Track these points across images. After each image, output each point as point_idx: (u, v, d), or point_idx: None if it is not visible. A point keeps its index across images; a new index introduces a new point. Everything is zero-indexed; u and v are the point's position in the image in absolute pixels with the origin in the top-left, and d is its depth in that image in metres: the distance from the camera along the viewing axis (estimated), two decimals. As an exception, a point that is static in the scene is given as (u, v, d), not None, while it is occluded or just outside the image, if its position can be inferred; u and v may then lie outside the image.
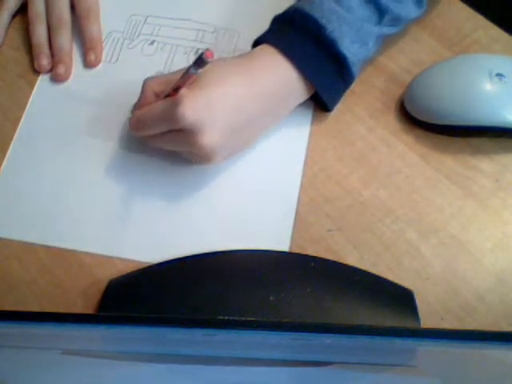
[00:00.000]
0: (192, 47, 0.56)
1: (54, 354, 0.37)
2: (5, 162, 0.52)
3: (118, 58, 0.56)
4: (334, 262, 0.46)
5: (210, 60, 0.40)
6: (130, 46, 0.57)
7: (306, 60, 0.48)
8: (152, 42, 0.57)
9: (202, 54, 0.40)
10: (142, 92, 0.48)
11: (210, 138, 0.44)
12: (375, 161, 0.51)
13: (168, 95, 0.46)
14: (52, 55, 0.56)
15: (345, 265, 0.46)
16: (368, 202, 0.49)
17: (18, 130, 0.53)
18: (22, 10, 0.58)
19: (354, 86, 0.53)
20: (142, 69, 0.55)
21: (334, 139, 0.52)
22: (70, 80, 0.55)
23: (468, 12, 0.56)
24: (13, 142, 0.52)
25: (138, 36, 0.57)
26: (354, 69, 0.49)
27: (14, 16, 0.58)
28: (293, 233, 0.48)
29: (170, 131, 0.46)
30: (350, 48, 0.47)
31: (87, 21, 0.56)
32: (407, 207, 0.49)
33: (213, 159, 0.46)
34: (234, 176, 0.50)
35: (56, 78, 0.55)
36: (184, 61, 0.56)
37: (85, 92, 0.55)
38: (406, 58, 0.54)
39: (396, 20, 0.50)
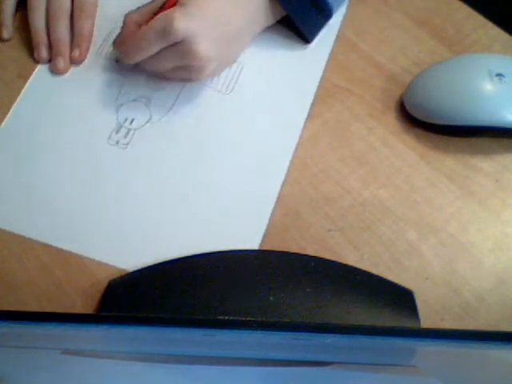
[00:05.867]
0: None
1: (53, 354, 0.37)
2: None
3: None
4: (334, 261, 0.46)
5: None
6: None
7: None
8: None
9: None
10: (124, 25, 0.51)
11: (204, 46, 0.46)
12: (375, 161, 0.51)
13: (156, 15, 0.47)
14: (50, 45, 0.56)
15: (345, 265, 0.46)
16: (368, 201, 0.49)
17: (3, 122, 0.53)
18: (21, 8, 0.58)
19: (353, 86, 0.54)
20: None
21: (334, 139, 0.52)
22: (65, 76, 0.55)
23: (468, 12, 0.56)
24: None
25: None
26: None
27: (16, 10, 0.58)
28: (265, 232, 0.48)
29: (165, 49, 0.47)
30: None
31: (80, 16, 0.56)
32: (407, 207, 0.49)
33: (205, 70, 0.48)
34: (222, 179, 0.50)
35: (55, 71, 0.55)
36: None
37: (80, 86, 0.55)
38: (406, 58, 0.54)
39: None
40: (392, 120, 0.52)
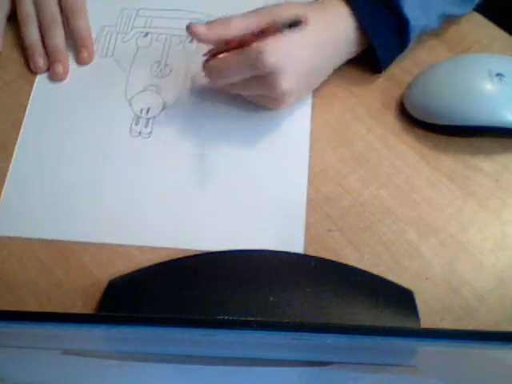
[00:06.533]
0: (187, 36, 0.57)
1: (53, 354, 0.37)
2: (12, 163, 0.52)
3: (113, 52, 0.57)
4: (334, 261, 0.46)
5: (304, 27, 0.43)
6: (125, 40, 0.57)
7: (368, 14, 0.50)
8: (146, 34, 0.58)
9: (299, 19, 0.43)
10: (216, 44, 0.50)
11: (289, 81, 0.47)
12: (375, 161, 0.51)
13: (243, 41, 0.47)
14: (47, 54, 0.56)
15: (345, 265, 0.46)
16: (368, 202, 0.49)
17: (21, 130, 0.53)
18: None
19: (353, 86, 0.54)
20: (139, 60, 0.56)
21: (334, 139, 0.52)
22: (68, 77, 0.56)
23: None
24: (17, 143, 0.52)
25: (132, 29, 0.58)
26: (412, 33, 0.51)
27: (10, 17, 0.58)
28: (305, 234, 0.48)
29: (252, 77, 0.48)
30: (413, 12, 0.50)
31: (74, 18, 0.56)
32: (407, 207, 0.49)
33: (286, 102, 0.50)
34: (237, 179, 0.51)
35: (54, 78, 0.55)
36: (180, 49, 0.57)
37: (84, 87, 0.55)
38: (406, 58, 0.54)
39: (464, 1, 0.52)
40: (392, 120, 0.52)
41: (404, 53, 0.54)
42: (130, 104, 0.54)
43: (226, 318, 0.41)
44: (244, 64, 0.47)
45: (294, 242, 0.48)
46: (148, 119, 0.53)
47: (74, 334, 0.37)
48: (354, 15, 0.50)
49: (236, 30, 0.48)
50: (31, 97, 0.55)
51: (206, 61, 0.51)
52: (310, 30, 0.47)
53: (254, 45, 0.47)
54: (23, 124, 0.53)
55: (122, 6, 0.59)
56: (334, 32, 0.50)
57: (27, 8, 0.56)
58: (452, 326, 0.44)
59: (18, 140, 0.53)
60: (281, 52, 0.46)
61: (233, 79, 0.49)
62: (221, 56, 0.49)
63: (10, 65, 0.57)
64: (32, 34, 0.56)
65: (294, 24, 0.44)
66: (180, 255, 0.47)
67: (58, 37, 0.56)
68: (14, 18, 0.58)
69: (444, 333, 0.34)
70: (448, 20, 0.55)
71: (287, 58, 0.47)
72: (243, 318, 0.41)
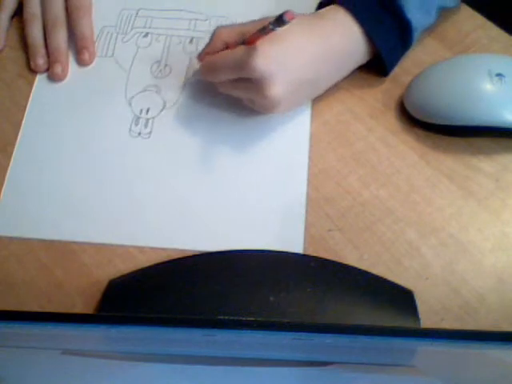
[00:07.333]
0: (186, 36, 0.57)
1: (53, 353, 0.37)
2: (11, 163, 0.52)
3: (113, 52, 0.57)
4: (334, 261, 0.46)
5: (290, 21, 0.42)
6: (125, 40, 0.57)
7: (373, 23, 0.49)
8: (146, 35, 0.58)
9: (282, 14, 0.41)
10: (212, 39, 0.50)
11: (277, 90, 0.46)
12: (375, 161, 0.51)
13: (242, 44, 0.47)
14: (48, 55, 0.56)
15: (345, 265, 0.46)
16: (368, 202, 0.49)
17: (20, 130, 0.53)
18: (21, 11, 0.58)
19: (353, 87, 0.54)
20: (139, 60, 0.56)
21: (334, 139, 0.52)
22: (68, 77, 0.56)
23: (468, 12, 0.56)
24: (17, 143, 0.52)
25: (132, 29, 0.58)
26: (415, 35, 0.51)
27: (12, 16, 0.58)
28: (305, 234, 0.48)
29: (241, 79, 0.48)
30: (415, 15, 0.49)
31: (79, 19, 0.56)
32: (407, 207, 0.49)
33: (275, 109, 0.49)
34: (237, 179, 0.51)
35: (53, 78, 0.55)
36: (180, 49, 0.57)
37: (84, 87, 0.55)
38: (406, 58, 0.54)
39: None
40: (392, 120, 0.52)
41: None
42: (130, 104, 0.54)
43: (226, 318, 0.41)
44: (233, 64, 0.47)
45: (293, 242, 0.48)
46: (148, 119, 0.53)
47: (74, 334, 0.37)
48: (358, 22, 0.49)
49: (234, 33, 0.49)
50: (31, 97, 0.55)
51: (202, 57, 0.51)
52: (309, 39, 0.47)
53: (246, 47, 0.46)
54: (23, 124, 0.53)
55: (122, 6, 0.59)
56: (337, 41, 0.49)
57: (34, 8, 0.57)
58: (452, 326, 0.44)
59: (18, 140, 0.53)
60: (272, 58, 0.45)
61: (222, 78, 0.49)
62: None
63: (10, 65, 0.57)
64: (35, 34, 0.56)
65: (279, 21, 0.42)
66: (180, 255, 0.47)
67: (60, 37, 0.56)
68: (14, 17, 0.59)
69: (444, 333, 0.34)
70: (447, 19, 0.55)
71: (278, 66, 0.46)
72: (243, 318, 0.41)
